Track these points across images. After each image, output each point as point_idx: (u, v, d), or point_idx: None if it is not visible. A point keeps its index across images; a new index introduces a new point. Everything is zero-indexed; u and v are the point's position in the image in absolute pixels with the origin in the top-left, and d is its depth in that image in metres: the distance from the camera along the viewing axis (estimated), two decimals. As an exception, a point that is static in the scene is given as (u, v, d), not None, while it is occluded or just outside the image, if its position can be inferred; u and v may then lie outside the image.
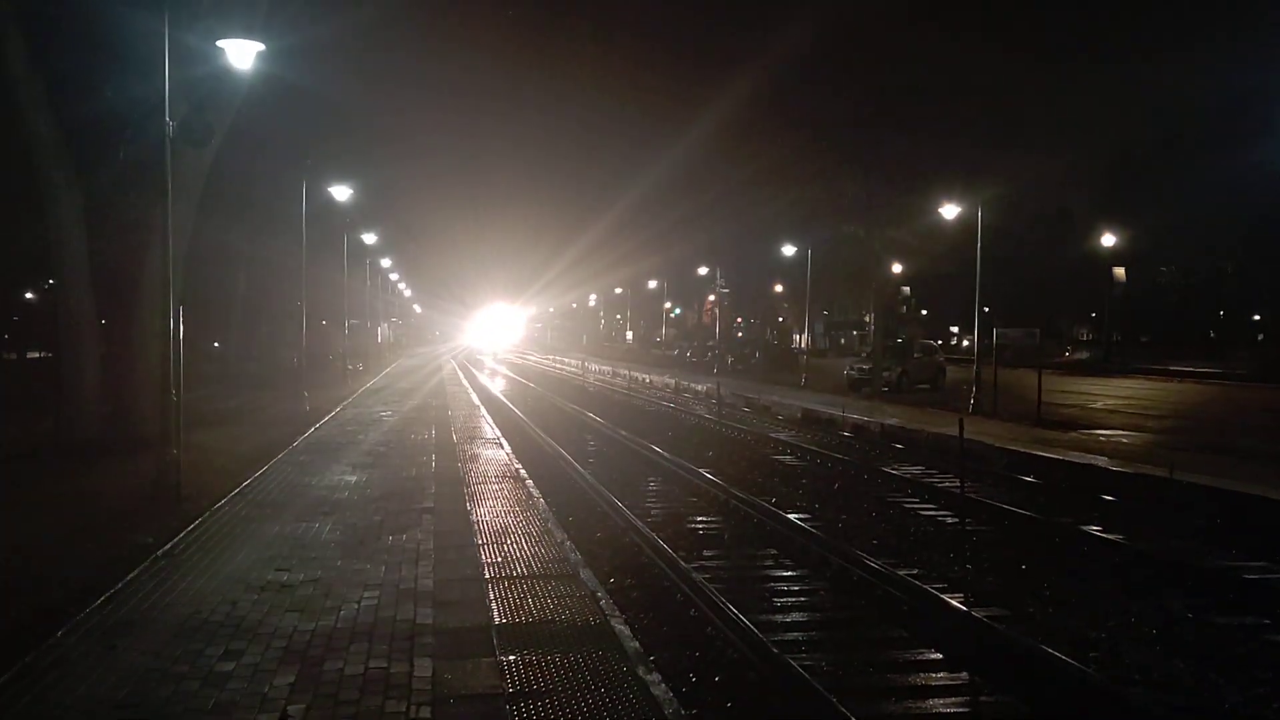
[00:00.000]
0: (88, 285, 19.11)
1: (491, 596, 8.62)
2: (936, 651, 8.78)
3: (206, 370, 41.09)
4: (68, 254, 18.98)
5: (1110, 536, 13.19)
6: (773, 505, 15.00)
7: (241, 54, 14.32)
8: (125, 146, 18.25)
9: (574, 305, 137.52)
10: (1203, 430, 23.71)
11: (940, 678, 8.26)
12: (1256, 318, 78.45)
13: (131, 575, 9.18)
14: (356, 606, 8.30)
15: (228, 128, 19.68)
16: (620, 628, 7.84)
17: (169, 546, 10.40)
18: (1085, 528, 13.77)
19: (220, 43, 14.29)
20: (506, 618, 8.01)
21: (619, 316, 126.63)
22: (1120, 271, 73.14)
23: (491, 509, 12.91)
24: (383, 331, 76.10)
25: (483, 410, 28.75)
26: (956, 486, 15.52)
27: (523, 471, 16.38)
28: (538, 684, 6.61)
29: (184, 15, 15.38)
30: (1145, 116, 58.55)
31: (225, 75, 17.04)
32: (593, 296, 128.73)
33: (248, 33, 14.37)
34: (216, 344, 47.32)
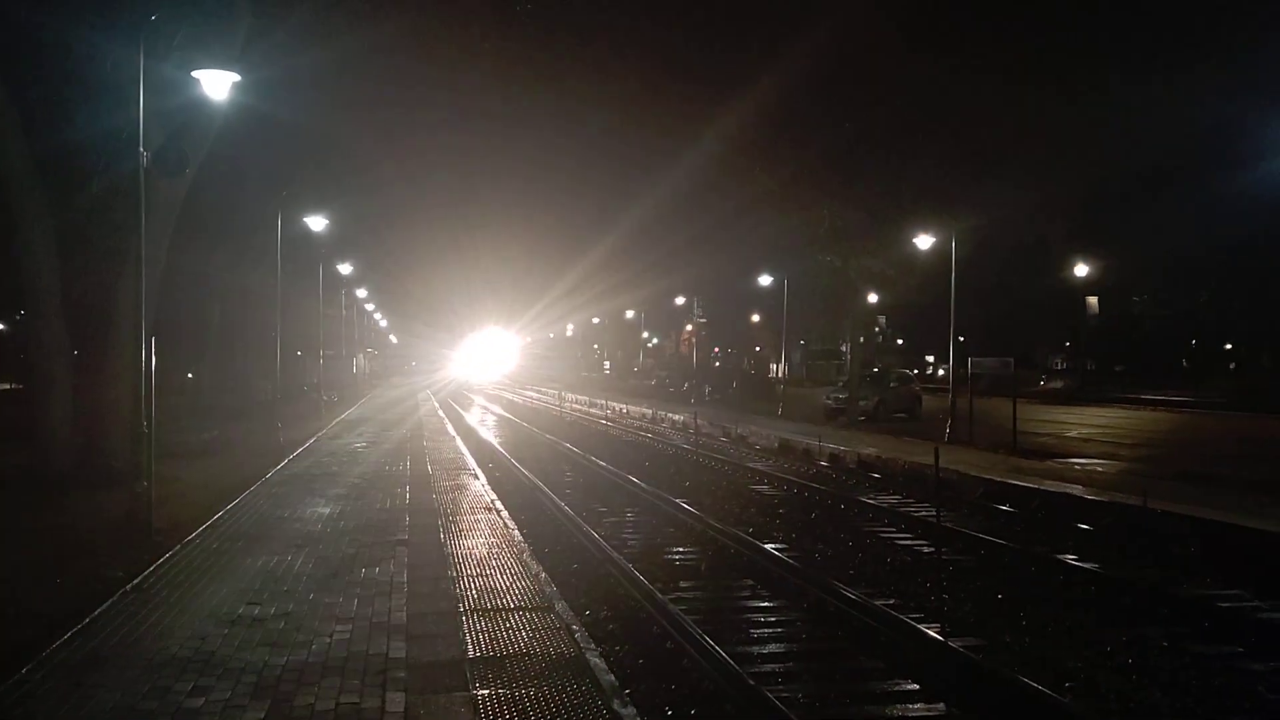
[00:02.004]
0: (60, 316, 18.93)
1: (465, 629, 8.55)
2: (913, 682, 8.75)
3: (180, 402, 40.76)
4: (40, 285, 18.81)
5: (1086, 565, 13.22)
6: (750, 535, 14.96)
7: (217, 84, 14.30)
8: (99, 176, 18.15)
9: (550, 336, 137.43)
10: (1176, 458, 23.86)
11: (917, 708, 8.23)
12: (1229, 346, 79.31)
13: (100, 610, 9.05)
14: (328, 640, 8.20)
15: (203, 158, 19.62)
16: (596, 660, 7.78)
17: (139, 580, 10.27)
18: (1061, 556, 13.80)
19: (195, 73, 14.27)
20: (480, 651, 7.94)
21: (596, 346, 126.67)
22: (1093, 301, 73.90)
23: (466, 541, 12.82)
24: (358, 362, 75.80)
25: (459, 442, 28.63)
26: (933, 516, 15.55)
27: (498, 503, 16.30)
28: (512, 718, 6.54)
29: (159, 46, 15.40)
30: (1120, 148, 59.30)
31: (200, 106, 17.02)
32: (570, 327, 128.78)
33: (223, 63, 14.35)
34: (190, 375, 46.98)
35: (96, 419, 18.83)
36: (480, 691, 7.01)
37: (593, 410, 50.90)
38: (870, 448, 25.60)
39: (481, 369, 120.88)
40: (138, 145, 13.55)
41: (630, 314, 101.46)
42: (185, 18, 17.01)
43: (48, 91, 18.60)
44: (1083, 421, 37.49)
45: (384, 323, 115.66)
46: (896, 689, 8.66)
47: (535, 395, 74.32)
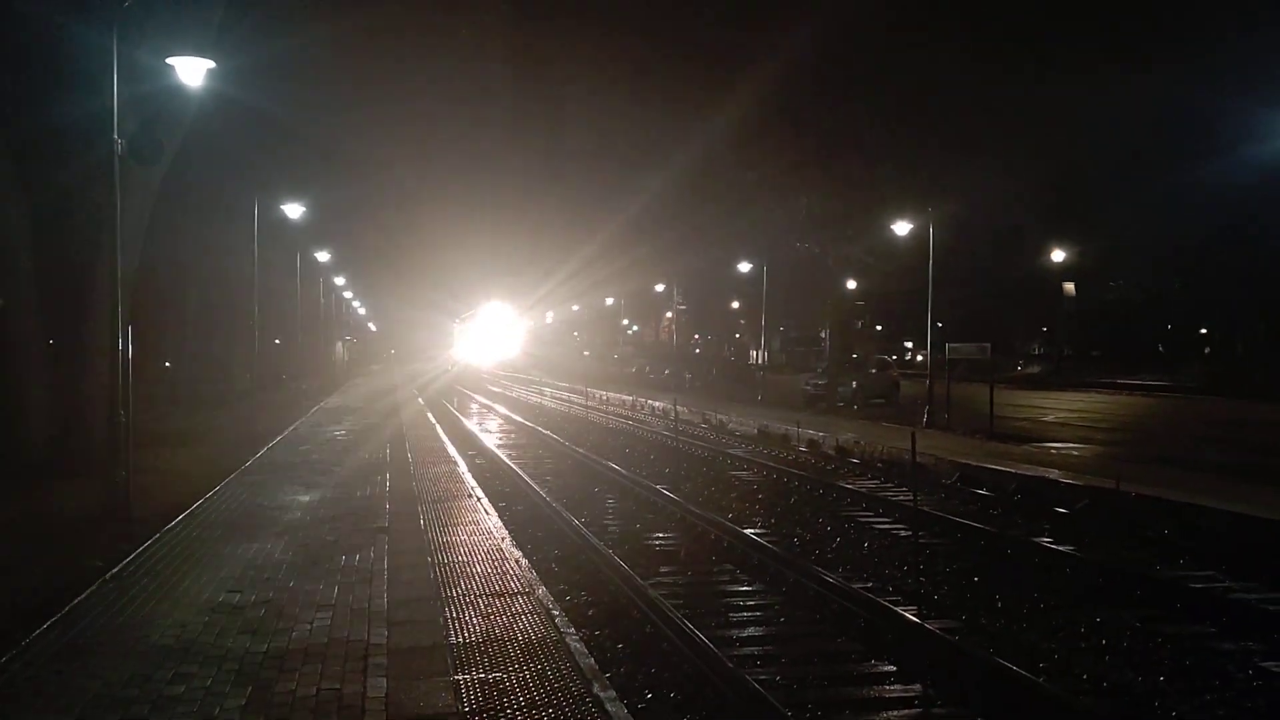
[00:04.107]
0: (35, 303, 18.81)
1: (446, 615, 8.58)
2: (890, 664, 8.85)
3: (157, 391, 40.50)
4: (14, 272, 18.67)
5: (1061, 548, 13.36)
6: (729, 521, 15.04)
7: (192, 71, 14.21)
8: (74, 162, 18.00)
9: (530, 324, 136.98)
10: (1150, 442, 24.11)
11: (894, 690, 8.32)
12: (1203, 331, 79.98)
13: (79, 599, 9.03)
14: (309, 627, 8.22)
15: (179, 145, 19.49)
16: (576, 645, 7.83)
17: (118, 569, 10.24)
18: (1036, 539, 13.95)
19: (170, 60, 14.17)
20: (461, 636, 7.98)
21: (576, 334, 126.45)
22: (1070, 287, 74.36)
23: (446, 527, 12.84)
24: (338, 350, 75.47)
25: (439, 429, 28.60)
26: (910, 500, 15.68)
27: (478, 489, 16.31)
28: (493, 702, 6.58)
29: (133, 32, 15.26)
30: (1094, 135, 59.66)
31: (176, 93, 16.90)
32: (550, 314, 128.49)
33: (198, 50, 14.26)
34: (167, 364, 46.61)
35: (73, 407, 18.73)
36: (461, 676, 7.05)
37: (573, 398, 50.87)
38: (848, 433, 25.72)
39: (472, 356, 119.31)
40: (112, 132, 13.45)
41: (610, 301, 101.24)
42: (159, 3, 16.87)
43: (21, 76, 18.43)
44: (1059, 406, 37.78)
45: (362, 310, 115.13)
46: (874, 670, 8.76)
47: (516, 385, 74.10)
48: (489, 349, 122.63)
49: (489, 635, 8.02)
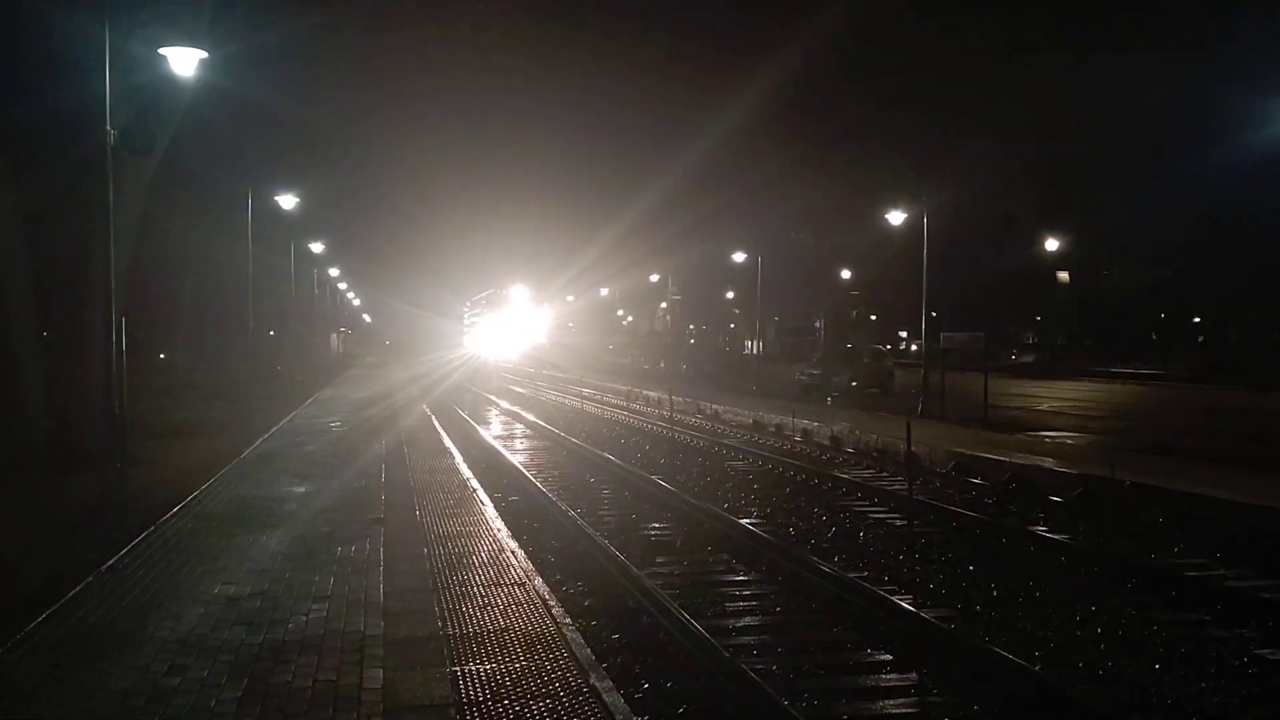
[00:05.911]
0: (29, 296, 18.75)
1: (443, 606, 8.58)
2: (886, 652, 8.87)
3: (152, 382, 40.46)
4: (7, 264, 18.61)
5: (1056, 536, 13.39)
6: (724, 511, 15.06)
7: (184, 61, 14.16)
8: (65, 154, 17.94)
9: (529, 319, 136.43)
10: (1144, 431, 24.12)
11: (890, 679, 8.34)
12: (1197, 320, 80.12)
13: (74, 591, 9.01)
14: (305, 618, 8.21)
15: (173, 136, 19.42)
16: (572, 635, 7.83)
17: (113, 562, 10.22)
18: (1031, 528, 13.98)
19: (163, 50, 14.11)
20: (458, 627, 7.98)
21: (571, 325, 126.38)
22: (1064, 276, 74.41)
23: (443, 519, 12.83)
24: (333, 342, 75.38)
25: (434, 421, 28.58)
26: (905, 489, 15.70)
27: (474, 481, 16.30)
28: (490, 693, 6.59)
29: (125, 22, 15.19)
30: (1090, 124, 59.68)
31: (168, 83, 16.83)
32: (545, 306, 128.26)
33: (191, 40, 14.20)
34: (162, 356, 46.59)
35: (68, 400, 18.71)
36: (458, 667, 7.05)
37: (567, 388, 50.86)
38: (843, 423, 25.72)
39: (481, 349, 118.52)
40: (104, 123, 13.40)
41: (605, 291, 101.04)
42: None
43: (11, 67, 18.36)
44: (1053, 395, 37.82)
45: (357, 301, 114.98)
46: (870, 659, 8.77)
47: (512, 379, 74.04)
48: (495, 343, 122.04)
49: (486, 626, 8.02)
